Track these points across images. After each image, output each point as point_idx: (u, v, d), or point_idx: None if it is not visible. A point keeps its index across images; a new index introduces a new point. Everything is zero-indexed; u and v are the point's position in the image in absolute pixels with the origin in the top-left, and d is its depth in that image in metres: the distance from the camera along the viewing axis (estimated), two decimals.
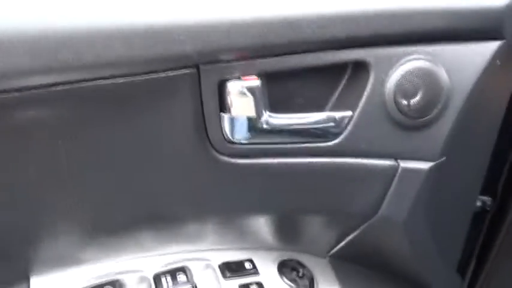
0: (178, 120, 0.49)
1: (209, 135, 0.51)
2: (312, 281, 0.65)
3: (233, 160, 0.52)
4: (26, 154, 0.48)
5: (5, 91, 0.43)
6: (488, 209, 0.78)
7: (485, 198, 0.76)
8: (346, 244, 0.63)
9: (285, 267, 0.66)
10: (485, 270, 0.77)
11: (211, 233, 0.64)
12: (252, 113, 0.50)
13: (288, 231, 0.65)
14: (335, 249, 0.65)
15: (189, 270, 0.62)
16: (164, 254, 0.63)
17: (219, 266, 0.63)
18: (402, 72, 0.50)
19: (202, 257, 0.64)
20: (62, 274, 0.61)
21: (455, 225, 0.69)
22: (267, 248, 0.66)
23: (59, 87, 0.44)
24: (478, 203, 0.75)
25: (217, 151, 0.52)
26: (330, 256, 0.67)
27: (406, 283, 0.69)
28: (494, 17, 0.50)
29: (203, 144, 0.51)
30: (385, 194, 0.54)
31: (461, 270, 0.79)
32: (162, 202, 0.56)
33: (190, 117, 0.50)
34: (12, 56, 0.41)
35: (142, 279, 0.60)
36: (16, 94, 0.43)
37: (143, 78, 0.45)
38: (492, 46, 0.50)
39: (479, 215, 0.77)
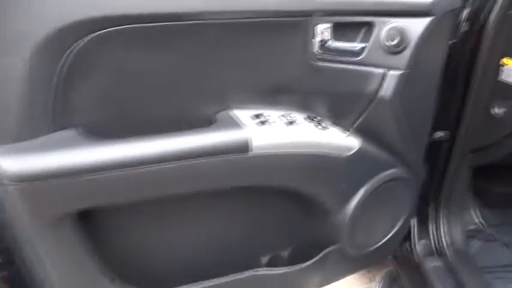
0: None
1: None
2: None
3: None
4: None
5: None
6: (444, 140, 1.24)
7: (442, 132, 1.23)
8: (362, 121, 1.02)
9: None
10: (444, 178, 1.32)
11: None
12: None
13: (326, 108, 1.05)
14: (355, 124, 1.03)
15: None
16: None
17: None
18: (387, 28, 0.94)
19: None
20: None
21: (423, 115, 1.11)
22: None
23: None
24: (437, 135, 1.22)
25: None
26: (353, 129, 1.04)
27: (397, 157, 1.10)
28: (427, 4, 0.93)
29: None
30: (380, 85, 0.97)
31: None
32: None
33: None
34: None
35: None
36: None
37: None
38: (428, 19, 0.94)
39: (438, 145, 1.25)
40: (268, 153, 0.94)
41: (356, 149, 1.03)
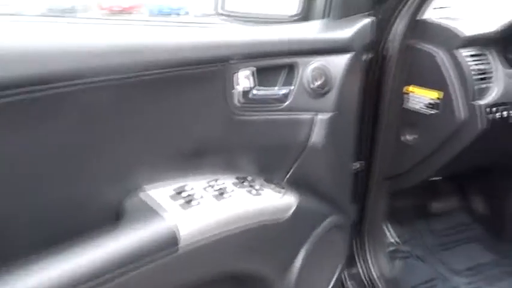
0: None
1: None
2: None
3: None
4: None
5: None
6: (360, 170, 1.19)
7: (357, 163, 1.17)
8: (294, 172, 0.93)
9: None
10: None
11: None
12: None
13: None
14: (288, 176, 0.93)
15: None
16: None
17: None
18: (311, 68, 0.88)
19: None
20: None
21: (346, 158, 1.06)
22: None
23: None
24: (354, 166, 1.14)
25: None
26: (286, 183, 0.93)
27: (331, 204, 1.02)
28: (346, 40, 0.91)
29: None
30: (311, 130, 0.90)
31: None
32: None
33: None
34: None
35: None
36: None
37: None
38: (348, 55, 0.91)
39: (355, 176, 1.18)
40: (200, 241, 0.74)
41: (293, 208, 0.90)
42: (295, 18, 1.01)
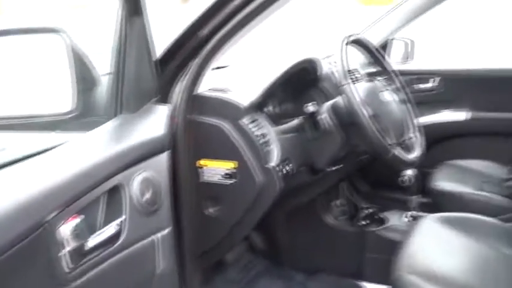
0: None
1: None
2: None
3: None
4: None
5: None
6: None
7: None
8: None
9: None
10: None
11: None
12: None
13: None
14: None
15: None
16: None
17: None
18: (137, 182, 0.78)
19: None
20: None
21: None
22: None
23: None
24: None
25: None
26: None
27: None
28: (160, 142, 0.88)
29: None
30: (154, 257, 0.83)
31: None
32: None
33: None
34: None
35: None
36: None
37: None
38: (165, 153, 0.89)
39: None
40: None
41: None
42: (71, 115, 0.84)
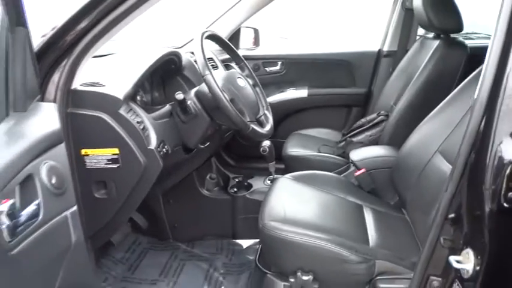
0: None
1: None
2: None
3: None
4: None
5: None
6: None
7: None
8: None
9: None
10: None
11: None
12: None
13: None
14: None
15: None
16: None
17: None
18: (45, 170, 0.87)
19: None
20: None
21: None
22: None
23: None
24: None
25: None
26: None
27: None
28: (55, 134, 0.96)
29: None
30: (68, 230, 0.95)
31: None
32: None
33: None
34: None
35: None
36: None
37: None
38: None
39: None
40: None
41: None
42: None
